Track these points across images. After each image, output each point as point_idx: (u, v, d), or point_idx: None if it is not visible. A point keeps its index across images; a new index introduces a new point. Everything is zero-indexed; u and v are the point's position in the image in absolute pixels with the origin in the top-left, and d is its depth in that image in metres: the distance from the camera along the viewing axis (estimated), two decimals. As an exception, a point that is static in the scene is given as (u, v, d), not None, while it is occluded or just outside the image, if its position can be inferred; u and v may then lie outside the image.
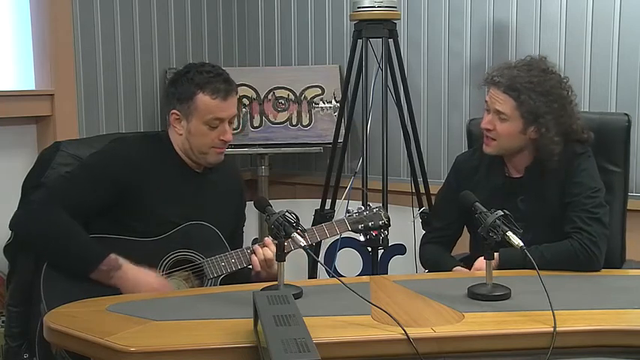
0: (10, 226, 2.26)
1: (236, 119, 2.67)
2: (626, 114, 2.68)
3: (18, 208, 2.38)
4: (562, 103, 2.42)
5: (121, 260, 2.19)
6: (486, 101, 2.46)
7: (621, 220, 2.64)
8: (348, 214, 2.45)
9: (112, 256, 2.18)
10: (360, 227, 2.42)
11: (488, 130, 2.44)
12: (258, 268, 2.28)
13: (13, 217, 2.26)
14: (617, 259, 2.61)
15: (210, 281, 2.29)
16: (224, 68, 2.41)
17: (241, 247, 2.41)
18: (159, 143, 2.40)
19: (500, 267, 2.31)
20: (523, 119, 2.39)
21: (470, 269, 2.41)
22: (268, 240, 2.28)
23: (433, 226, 2.71)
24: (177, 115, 2.35)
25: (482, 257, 2.15)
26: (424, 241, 2.69)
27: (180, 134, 2.36)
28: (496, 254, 2.31)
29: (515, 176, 2.51)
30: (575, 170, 2.43)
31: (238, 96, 2.42)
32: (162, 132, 2.45)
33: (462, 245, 2.69)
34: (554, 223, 2.42)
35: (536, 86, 2.39)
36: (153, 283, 2.20)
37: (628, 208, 2.69)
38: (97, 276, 2.17)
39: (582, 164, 2.44)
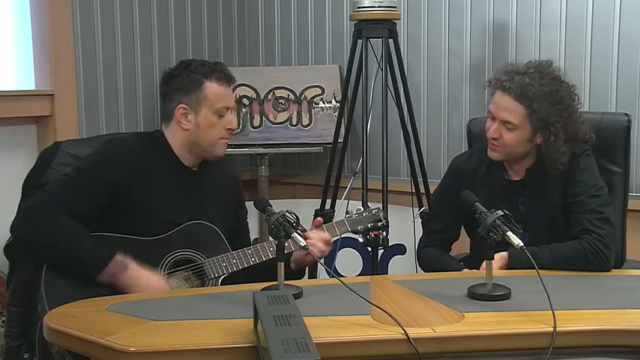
0: (11, 232, 2.25)
1: (235, 118, 2.69)
2: (626, 114, 2.68)
3: (17, 210, 2.37)
4: (570, 112, 2.41)
5: (127, 261, 2.18)
6: (490, 111, 2.41)
7: (621, 220, 2.64)
8: (347, 215, 2.46)
9: (118, 258, 2.17)
10: (359, 228, 2.43)
11: (494, 138, 2.41)
12: (319, 254, 2.28)
13: (12, 223, 2.24)
14: (617, 259, 2.60)
15: (211, 281, 2.29)
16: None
17: (248, 240, 2.41)
18: (154, 142, 2.39)
19: (510, 267, 2.31)
20: (532, 127, 2.37)
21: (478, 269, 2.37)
22: (319, 220, 2.38)
23: (433, 228, 2.66)
24: (185, 108, 2.34)
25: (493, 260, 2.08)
26: (423, 244, 2.65)
27: (187, 129, 2.34)
28: (505, 253, 2.31)
29: (515, 179, 2.49)
30: (575, 169, 2.42)
31: (238, 96, 2.43)
32: (157, 131, 2.44)
33: (461, 246, 2.69)
34: (553, 224, 2.41)
35: (549, 95, 2.36)
36: (154, 285, 2.20)
37: (628, 208, 2.70)
38: (102, 278, 2.16)
39: (582, 163, 2.43)
